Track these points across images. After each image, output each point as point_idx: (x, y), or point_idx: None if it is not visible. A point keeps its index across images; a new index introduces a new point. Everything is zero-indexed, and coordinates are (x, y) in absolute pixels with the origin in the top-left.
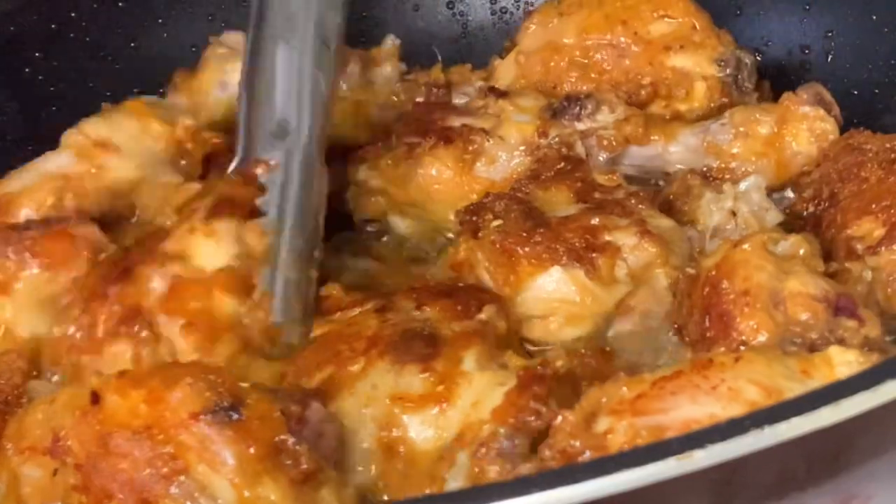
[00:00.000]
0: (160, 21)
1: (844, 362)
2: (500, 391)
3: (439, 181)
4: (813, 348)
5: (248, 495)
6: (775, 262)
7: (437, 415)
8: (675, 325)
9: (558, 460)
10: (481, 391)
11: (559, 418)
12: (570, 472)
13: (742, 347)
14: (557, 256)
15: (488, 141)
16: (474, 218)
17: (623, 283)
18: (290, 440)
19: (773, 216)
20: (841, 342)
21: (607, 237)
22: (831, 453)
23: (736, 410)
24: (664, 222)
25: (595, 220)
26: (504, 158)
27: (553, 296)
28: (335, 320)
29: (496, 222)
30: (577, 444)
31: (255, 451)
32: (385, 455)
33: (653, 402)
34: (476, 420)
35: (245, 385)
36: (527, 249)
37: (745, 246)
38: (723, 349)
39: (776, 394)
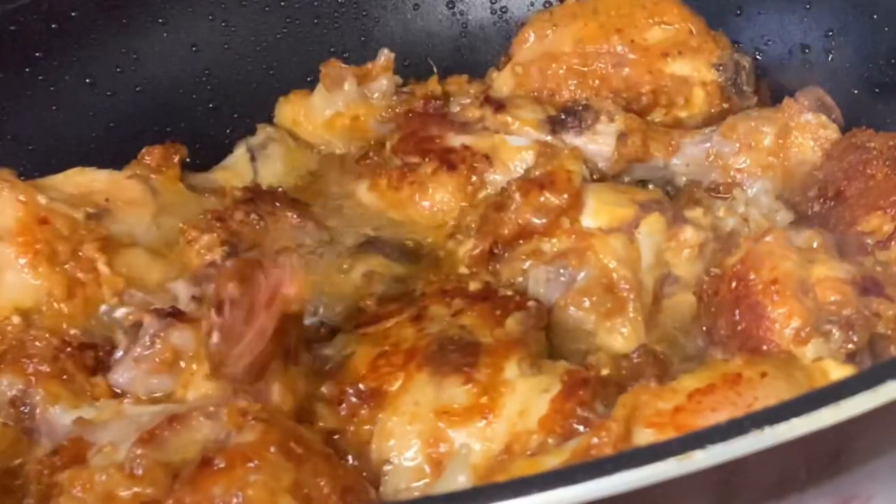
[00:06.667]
0: (160, 21)
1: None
2: (545, 398)
3: (442, 209)
4: (849, 325)
5: None
6: (798, 252)
7: (484, 427)
8: (704, 328)
9: None
10: (526, 399)
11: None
12: (570, 473)
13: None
14: None
15: (492, 171)
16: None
17: None
18: None
19: (784, 216)
20: (876, 315)
21: None
22: (831, 453)
23: None
24: None
25: None
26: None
27: None
28: (371, 333)
29: None
30: None
31: None
32: (434, 471)
33: (694, 417)
34: (523, 430)
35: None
36: None
37: (768, 238)
38: (740, 359)
39: None
